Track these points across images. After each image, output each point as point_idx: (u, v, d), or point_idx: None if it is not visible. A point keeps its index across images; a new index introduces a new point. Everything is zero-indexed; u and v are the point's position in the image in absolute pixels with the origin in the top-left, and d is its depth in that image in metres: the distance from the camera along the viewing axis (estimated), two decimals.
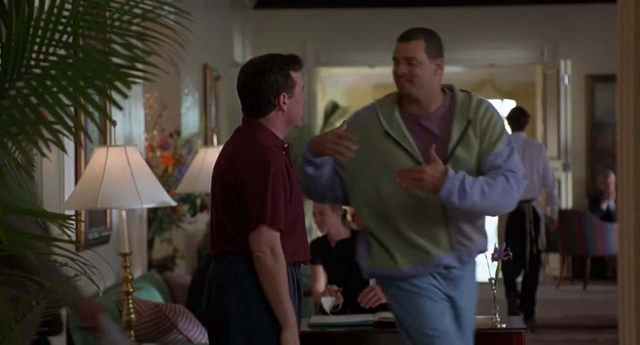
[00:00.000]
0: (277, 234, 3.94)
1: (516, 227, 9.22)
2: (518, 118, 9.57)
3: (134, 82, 2.44)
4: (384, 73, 19.10)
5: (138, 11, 2.54)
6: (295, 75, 4.07)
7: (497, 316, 4.85)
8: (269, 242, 3.92)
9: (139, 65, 2.58)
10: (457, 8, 12.77)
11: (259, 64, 4.09)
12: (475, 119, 4.14)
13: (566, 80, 12.49)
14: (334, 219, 6.83)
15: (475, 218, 4.16)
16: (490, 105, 4.23)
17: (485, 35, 12.76)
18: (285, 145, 4.14)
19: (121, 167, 5.03)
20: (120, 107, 2.37)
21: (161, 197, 5.17)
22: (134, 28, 2.53)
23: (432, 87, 4.18)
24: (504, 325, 4.87)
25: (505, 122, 4.41)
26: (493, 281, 4.82)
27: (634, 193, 1.95)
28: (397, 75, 4.19)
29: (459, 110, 4.18)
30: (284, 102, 4.04)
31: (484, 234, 4.23)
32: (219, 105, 10.21)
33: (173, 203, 5.32)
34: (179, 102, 8.52)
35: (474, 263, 4.27)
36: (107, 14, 2.51)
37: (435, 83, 4.18)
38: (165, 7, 2.49)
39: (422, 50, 4.14)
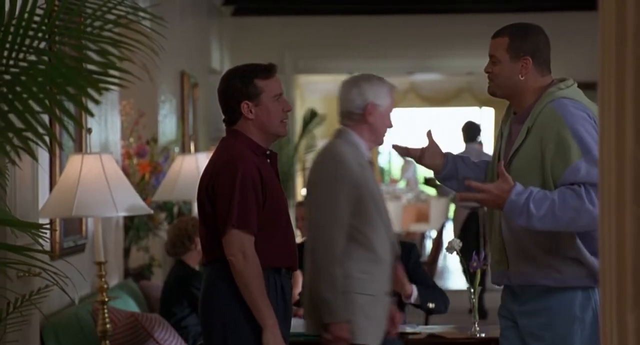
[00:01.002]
0: (248, 237, 3.93)
1: (471, 230, 9.30)
2: (472, 130, 10.29)
3: (107, 89, 2.38)
4: None
5: (112, 17, 2.49)
6: (262, 82, 4.05)
7: (476, 325, 4.81)
8: (239, 245, 3.92)
9: (113, 72, 2.53)
10: (436, 16, 12.75)
11: (226, 73, 4.15)
12: (533, 125, 3.78)
13: None
14: None
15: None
16: (560, 108, 3.72)
17: (464, 42, 12.74)
18: (268, 152, 4.11)
19: (96, 175, 4.97)
20: (92, 114, 2.31)
21: (137, 205, 5.11)
22: (107, 34, 2.48)
23: (517, 87, 3.84)
24: (483, 335, 4.83)
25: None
26: (472, 290, 4.78)
27: (616, 204, 1.91)
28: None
29: (532, 112, 3.82)
30: (250, 110, 4.03)
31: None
32: (196, 112, 10.15)
33: (149, 211, 5.26)
34: (156, 109, 8.45)
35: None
36: (80, 19, 2.46)
37: (520, 83, 3.83)
38: (139, 13, 2.44)
39: (503, 48, 3.87)
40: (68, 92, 2.28)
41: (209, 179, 4.02)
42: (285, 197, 4.19)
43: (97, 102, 2.29)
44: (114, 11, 2.45)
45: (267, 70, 4.08)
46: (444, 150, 4.09)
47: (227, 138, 4.14)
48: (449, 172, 4.07)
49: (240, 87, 4.03)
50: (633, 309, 1.98)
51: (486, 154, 9.88)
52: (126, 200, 5.02)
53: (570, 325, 3.72)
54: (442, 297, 5.21)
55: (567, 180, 3.63)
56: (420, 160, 4.07)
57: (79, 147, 5.87)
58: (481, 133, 10.70)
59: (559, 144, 3.67)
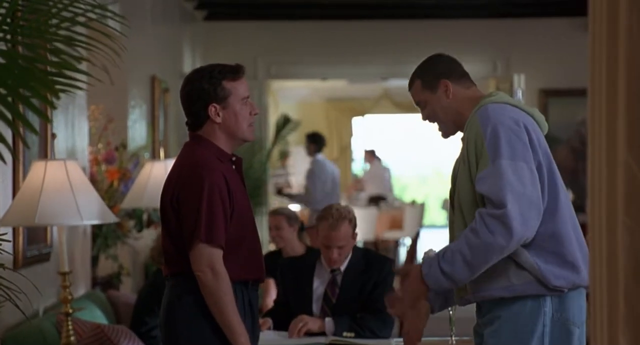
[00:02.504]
0: (217, 251, 3.76)
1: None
2: (320, 141, 11.63)
3: (64, 91, 2.22)
4: (336, 86, 19.13)
5: (69, 15, 2.32)
6: (230, 84, 3.86)
7: (452, 338, 4.68)
8: (207, 260, 3.75)
9: (78, 75, 2.37)
10: (410, 21, 12.65)
11: (191, 74, 3.95)
12: (464, 136, 3.72)
13: (519, 95, 12.42)
14: (290, 234, 6.65)
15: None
16: (481, 115, 3.63)
17: (438, 49, 12.55)
18: (234, 158, 3.94)
19: (60, 182, 4.81)
20: (47, 119, 2.15)
21: (103, 213, 4.95)
22: (65, 33, 2.32)
23: (453, 110, 3.79)
24: None
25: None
26: None
27: (606, 216, 1.78)
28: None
29: (466, 124, 3.75)
30: (218, 114, 3.85)
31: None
32: (167, 117, 9.98)
33: (116, 219, 5.09)
34: (126, 115, 8.28)
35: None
36: (34, 16, 2.29)
37: (452, 104, 3.79)
38: (98, 11, 2.28)
39: (420, 89, 3.84)
40: (20, 94, 2.12)
41: (174, 189, 3.82)
42: (251, 206, 4.03)
43: (52, 105, 2.13)
44: (71, 9, 2.28)
45: (235, 72, 3.89)
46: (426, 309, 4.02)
47: (190, 144, 3.93)
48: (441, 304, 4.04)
49: (208, 89, 3.83)
50: (625, 330, 1.86)
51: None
52: (91, 208, 4.86)
53: (515, 334, 3.62)
54: (382, 323, 5.11)
55: (477, 189, 3.55)
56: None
57: (44, 153, 5.69)
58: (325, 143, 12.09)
59: (477, 151, 3.60)
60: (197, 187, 3.75)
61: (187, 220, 3.77)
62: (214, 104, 3.83)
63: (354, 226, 5.19)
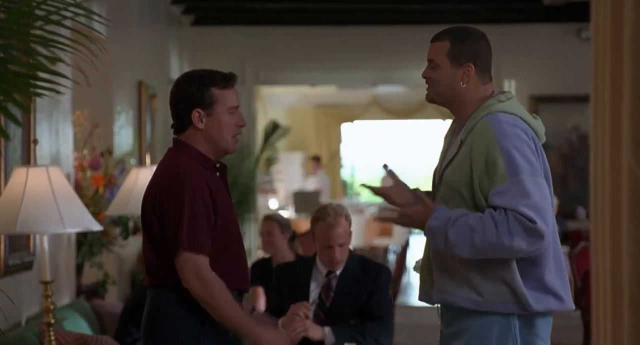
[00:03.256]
0: (202, 258, 3.64)
1: None
2: None
3: (38, 94, 2.11)
4: (325, 93, 19.05)
5: (42, 13, 2.21)
6: (219, 92, 3.75)
7: None
8: (192, 268, 3.63)
9: (59, 79, 2.25)
10: (399, 27, 12.56)
11: (181, 76, 3.84)
12: (466, 138, 3.56)
13: None
14: (281, 241, 6.55)
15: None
16: (493, 123, 3.48)
17: None
18: (217, 165, 3.83)
19: (43, 189, 4.69)
20: (18, 123, 2.04)
21: (86, 221, 4.84)
22: (38, 32, 2.21)
23: (457, 95, 3.61)
24: None
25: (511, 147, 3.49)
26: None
27: (610, 224, 1.68)
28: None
29: (467, 124, 3.61)
30: (201, 120, 3.74)
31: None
32: (154, 123, 9.87)
33: (99, 227, 4.98)
34: (112, 120, 8.16)
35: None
36: (3, 15, 2.18)
37: (461, 90, 3.59)
38: (73, 9, 2.17)
39: (444, 52, 3.61)
40: None
41: (155, 196, 3.71)
42: (236, 213, 3.91)
43: (25, 109, 2.02)
44: (45, 7, 2.17)
45: (226, 80, 3.77)
46: (409, 186, 3.81)
47: (173, 149, 3.82)
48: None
49: (194, 93, 3.71)
50: (630, 340, 1.76)
51: None
52: (74, 216, 4.75)
53: None
54: (384, 331, 5.02)
55: (492, 202, 3.43)
56: (389, 200, 3.79)
57: (27, 159, 5.57)
58: None
59: (487, 161, 3.46)
60: (179, 194, 3.64)
61: (170, 228, 3.66)
62: (199, 110, 3.73)
63: (350, 223, 5.11)
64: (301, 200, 15.36)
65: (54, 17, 2.07)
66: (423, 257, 3.71)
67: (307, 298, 5.10)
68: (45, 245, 4.87)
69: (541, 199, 3.41)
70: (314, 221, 5.10)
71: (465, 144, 3.55)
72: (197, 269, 3.63)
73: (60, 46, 2.12)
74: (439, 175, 3.64)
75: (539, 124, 3.65)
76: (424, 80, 3.67)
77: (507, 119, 3.50)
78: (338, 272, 5.12)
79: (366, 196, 21.23)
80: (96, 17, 2.27)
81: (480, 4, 11.68)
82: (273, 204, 16.63)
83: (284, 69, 13.12)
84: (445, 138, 3.77)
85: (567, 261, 9.54)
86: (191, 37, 12.54)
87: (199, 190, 3.65)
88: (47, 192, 4.69)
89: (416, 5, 11.38)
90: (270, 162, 15.14)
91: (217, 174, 3.85)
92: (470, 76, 3.59)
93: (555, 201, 11.73)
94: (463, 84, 3.59)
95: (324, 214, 5.05)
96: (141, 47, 9.42)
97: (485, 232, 3.40)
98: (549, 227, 3.42)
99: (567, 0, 10.77)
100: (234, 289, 3.77)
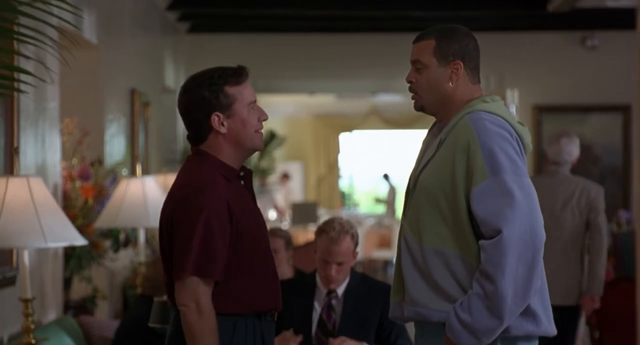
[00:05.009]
0: (207, 287, 3.34)
1: None
2: None
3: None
4: (324, 102, 18.83)
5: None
6: (233, 89, 3.42)
7: None
8: (193, 294, 3.33)
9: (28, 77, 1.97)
10: (400, 34, 12.30)
11: (188, 81, 3.50)
12: (446, 137, 3.31)
13: (513, 110, 12.13)
14: (285, 259, 6.25)
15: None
16: (475, 121, 3.25)
17: None
18: (242, 174, 3.52)
19: (23, 201, 4.42)
20: None
21: (70, 235, 4.55)
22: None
23: (446, 96, 3.37)
24: None
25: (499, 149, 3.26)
26: None
27: None
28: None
29: (449, 124, 3.35)
30: (222, 123, 3.42)
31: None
32: (148, 132, 9.60)
33: (83, 242, 4.69)
34: (103, 128, 7.89)
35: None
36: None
37: (449, 91, 3.36)
38: None
39: (429, 51, 3.38)
40: None
41: (169, 213, 3.40)
42: (264, 226, 3.57)
43: None
44: None
45: (239, 75, 3.44)
46: None
47: (191, 160, 3.49)
48: None
49: (208, 97, 3.40)
50: None
51: None
52: (57, 230, 4.47)
53: None
54: None
55: (474, 210, 3.18)
56: None
57: (10, 169, 5.28)
58: None
59: (468, 160, 3.22)
60: (193, 214, 3.33)
61: (178, 247, 3.36)
62: (217, 113, 3.41)
63: (356, 243, 4.82)
64: (299, 211, 15.09)
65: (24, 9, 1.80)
66: (396, 263, 3.42)
67: (311, 318, 4.82)
68: (26, 260, 4.59)
69: (525, 198, 3.17)
70: (318, 233, 4.83)
71: (444, 144, 3.30)
72: (198, 295, 3.33)
73: (24, 39, 1.84)
74: (414, 180, 3.36)
75: (525, 131, 3.38)
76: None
77: (490, 118, 3.27)
78: (340, 292, 4.84)
79: (365, 207, 20.99)
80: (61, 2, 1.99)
81: (483, 11, 11.43)
82: (272, 215, 16.37)
83: (282, 77, 12.91)
84: (424, 141, 3.50)
85: None
86: (187, 45, 12.33)
87: (216, 210, 3.35)
88: (28, 204, 4.42)
89: (417, 12, 11.12)
90: (266, 172, 14.85)
91: (242, 182, 3.54)
92: (459, 75, 3.36)
93: None
94: (452, 84, 3.36)
95: (328, 227, 4.78)
96: (134, 54, 9.18)
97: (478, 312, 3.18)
98: (538, 231, 3.18)
99: (572, 7, 10.50)
100: (263, 309, 3.46)
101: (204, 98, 3.41)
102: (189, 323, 3.33)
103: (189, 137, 3.52)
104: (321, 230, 4.81)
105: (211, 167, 3.43)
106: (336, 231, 4.73)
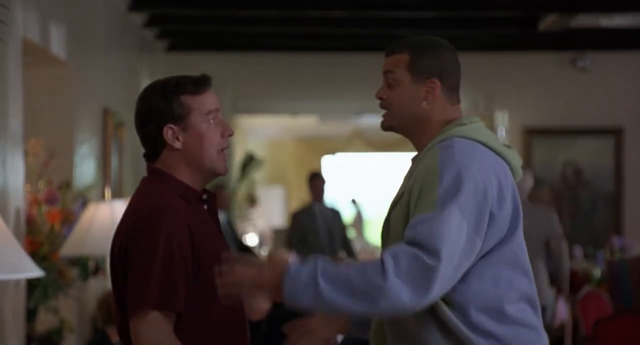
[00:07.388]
0: (169, 321, 2.88)
1: None
2: None
3: None
4: (307, 125, 18.49)
5: None
6: (191, 99, 3.00)
7: None
8: (154, 333, 2.87)
9: None
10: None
11: (143, 91, 3.06)
12: (415, 168, 2.93)
13: (502, 133, 11.85)
14: None
15: None
16: (444, 151, 2.85)
17: None
18: (204, 196, 3.08)
19: None
20: None
21: (23, 266, 4.13)
22: None
23: (420, 118, 2.98)
24: None
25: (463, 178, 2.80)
26: None
27: None
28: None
29: (421, 155, 2.95)
30: (177, 137, 2.98)
31: None
32: (122, 154, 9.18)
33: (39, 273, 4.26)
34: (72, 150, 7.48)
35: None
36: None
37: (424, 112, 2.96)
38: None
39: (401, 67, 2.98)
40: None
41: (122, 241, 2.96)
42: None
43: None
44: None
45: (199, 83, 3.02)
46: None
47: (146, 180, 3.06)
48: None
49: (161, 106, 2.98)
50: None
51: None
52: (9, 261, 4.05)
53: None
54: None
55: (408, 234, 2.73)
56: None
57: None
58: None
59: (422, 190, 2.79)
60: (150, 239, 2.89)
61: (134, 279, 2.91)
62: (171, 125, 2.98)
63: None
64: (281, 237, 14.70)
65: None
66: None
67: None
68: None
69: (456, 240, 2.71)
70: None
71: (412, 176, 2.89)
72: (160, 334, 2.88)
73: None
74: (387, 223, 2.95)
75: (512, 154, 2.94)
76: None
77: (462, 145, 2.86)
78: None
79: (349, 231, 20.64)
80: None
81: (471, 30, 11.12)
82: (252, 240, 15.98)
83: (264, 98, 12.61)
84: (406, 175, 3.06)
85: (566, 307, 8.86)
86: (166, 63, 11.97)
87: (176, 235, 2.90)
88: None
89: (404, 30, 10.80)
90: (251, 199, 14.42)
91: (205, 206, 3.10)
92: (435, 95, 2.95)
93: None
94: (427, 105, 2.94)
95: None
96: (108, 71, 8.80)
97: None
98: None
99: (565, 27, 10.17)
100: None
101: (157, 107, 2.98)
102: None
103: (144, 155, 3.09)
104: None
105: (166, 187, 3.00)
106: None
